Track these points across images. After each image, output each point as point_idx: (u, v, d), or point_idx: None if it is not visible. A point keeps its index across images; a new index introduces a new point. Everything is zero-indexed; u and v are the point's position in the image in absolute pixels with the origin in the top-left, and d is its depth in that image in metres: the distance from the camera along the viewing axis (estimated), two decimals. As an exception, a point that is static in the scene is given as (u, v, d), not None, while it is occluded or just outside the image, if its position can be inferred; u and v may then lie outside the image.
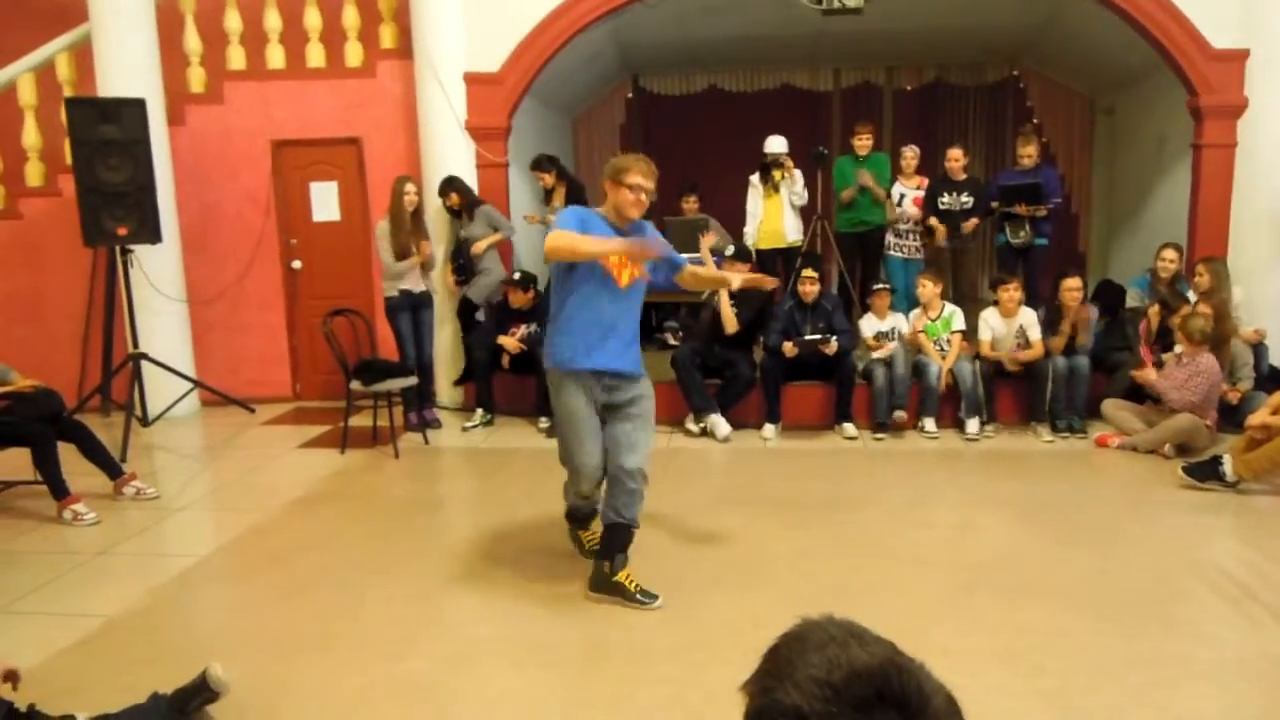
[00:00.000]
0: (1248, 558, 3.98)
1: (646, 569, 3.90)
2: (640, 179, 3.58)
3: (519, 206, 7.50)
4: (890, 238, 7.38)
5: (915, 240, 7.31)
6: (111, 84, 6.55)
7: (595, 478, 3.70)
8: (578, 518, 4.05)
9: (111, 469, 5.06)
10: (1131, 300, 6.71)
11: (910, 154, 7.37)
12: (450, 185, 6.68)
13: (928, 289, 6.30)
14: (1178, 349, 5.62)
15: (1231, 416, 5.66)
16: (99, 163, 6.04)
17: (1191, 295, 6.21)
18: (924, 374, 6.13)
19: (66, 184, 6.77)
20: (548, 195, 7.07)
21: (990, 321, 6.26)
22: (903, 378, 6.13)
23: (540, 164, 7.04)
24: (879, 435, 6.07)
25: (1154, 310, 6.16)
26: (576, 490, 3.79)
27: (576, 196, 6.79)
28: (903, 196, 7.27)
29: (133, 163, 6.14)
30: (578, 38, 6.96)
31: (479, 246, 6.64)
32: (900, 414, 6.08)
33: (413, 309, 6.43)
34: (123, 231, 6.12)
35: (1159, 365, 5.82)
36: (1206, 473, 4.85)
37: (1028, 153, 6.93)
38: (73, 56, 7.13)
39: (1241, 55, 6.41)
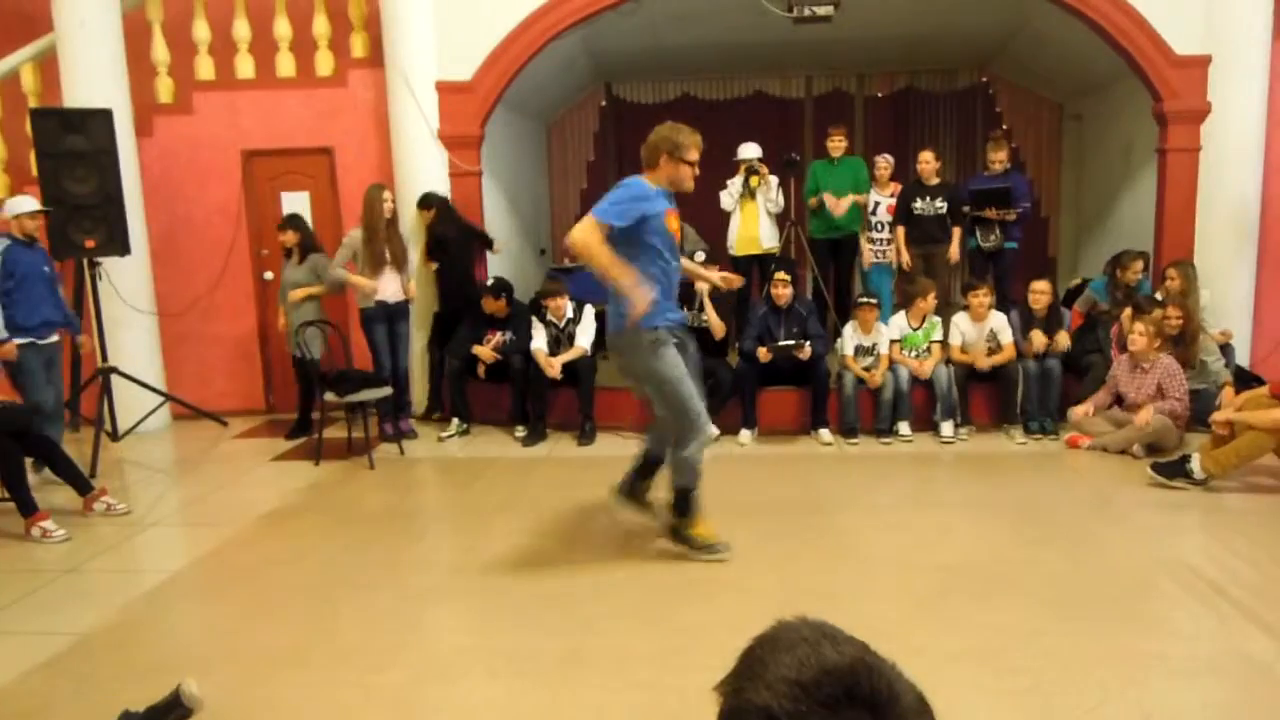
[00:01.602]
0: (1217, 555, 4.03)
1: (620, 573, 3.91)
2: (697, 154, 3.87)
3: (494, 216, 7.49)
4: (865, 245, 7.42)
5: (886, 234, 7.30)
6: (78, 94, 6.47)
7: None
8: (693, 500, 4.08)
9: (81, 485, 4.98)
10: (1083, 304, 6.84)
11: (884, 163, 7.38)
12: (290, 223, 6.48)
13: (926, 303, 6.32)
14: (1133, 348, 5.70)
15: (1198, 416, 5.76)
16: (65, 174, 5.97)
17: (1159, 297, 6.32)
18: (896, 378, 6.17)
19: (33, 196, 6.66)
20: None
21: (961, 326, 6.32)
22: (887, 400, 6.14)
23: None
24: (852, 440, 6.10)
25: (1126, 314, 6.25)
26: (703, 444, 3.96)
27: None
28: (877, 205, 7.31)
29: (100, 174, 6.07)
30: (550, 46, 6.96)
31: (297, 294, 6.34)
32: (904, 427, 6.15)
33: (389, 320, 6.40)
34: (90, 244, 6.05)
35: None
36: (1175, 471, 4.92)
37: (998, 158, 7.01)
38: (38, 67, 7.04)
39: (1204, 61, 6.53)
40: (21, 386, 5.29)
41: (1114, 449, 5.64)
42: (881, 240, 7.32)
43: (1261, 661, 3.06)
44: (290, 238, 6.44)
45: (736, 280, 4.76)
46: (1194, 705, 2.85)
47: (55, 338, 5.57)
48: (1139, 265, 6.54)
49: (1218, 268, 6.56)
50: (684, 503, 4.06)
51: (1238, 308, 6.65)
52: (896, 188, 7.31)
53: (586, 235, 3.67)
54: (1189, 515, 4.62)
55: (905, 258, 6.97)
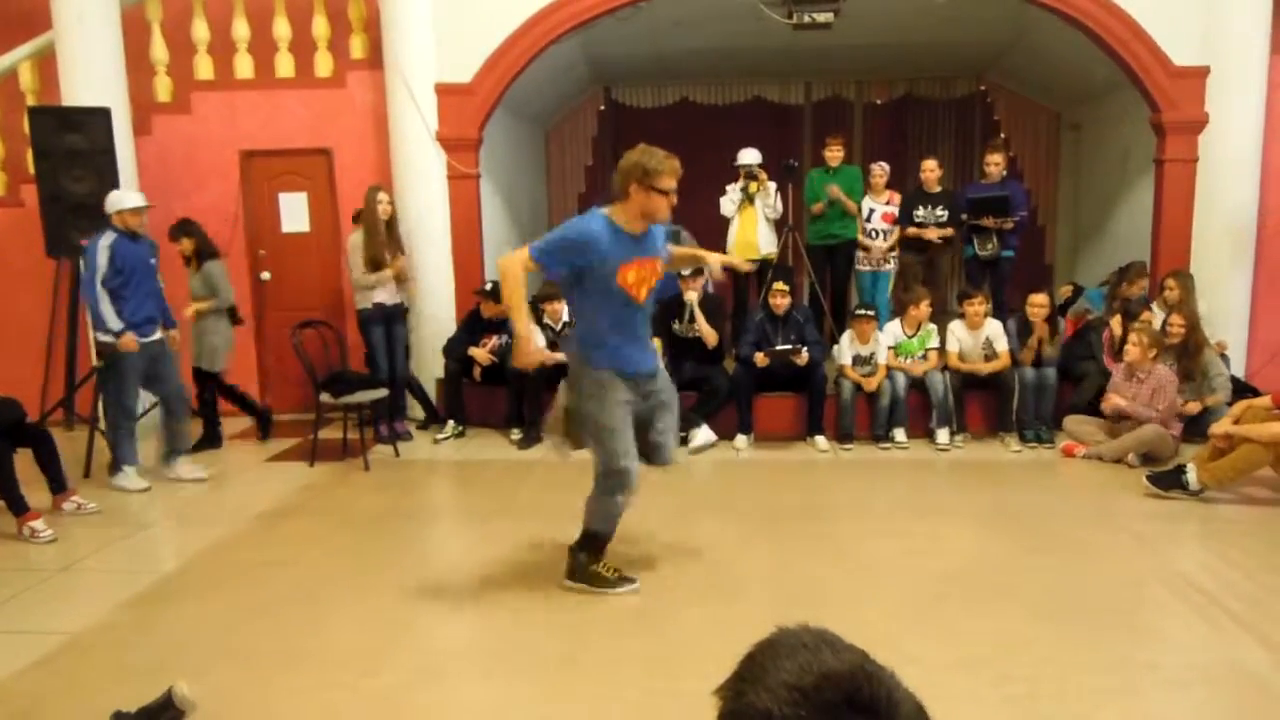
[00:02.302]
0: (1212, 565, 4.04)
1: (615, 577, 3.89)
2: (672, 181, 3.45)
3: (491, 219, 7.49)
4: (858, 252, 7.42)
5: (882, 242, 7.30)
6: (76, 93, 6.45)
7: (636, 478, 3.68)
8: (602, 543, 3.81)
9: (58, 483, 4.97)
10: (1075, 313, 6.87)
11: (879, 170, 7.36)
12: (183, 230, 6.24)
13: (920, 311, 6.33)
14: (1127, 359, 5.71)
15: (1195, 427, 5.77)
16: (63, 173, 5.96)
17: (1155, 307, 6.34)
18: (893, 384, 6.18)
19: (29, 194, 6.65)
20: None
21: (957, 334, 6.33)
22: (884, 407, 6.15)
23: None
24: (847, 446, 6.11)
25: (1116, 320, 6.28)
26: (625, 497, 3.69)
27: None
28: (872, 212, 7.32)
29: (97, 173, 6.05)
30: (549, 49, 6.97)
31: (189, 312, 6.13)
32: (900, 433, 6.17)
33: (386, 321, 6.39)
34: (86, 243, 6.02)
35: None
36: (1170, 482, 4.92)
37: (995, 160, 7.01)
38: (36, 65, 7.03)
39: (1202, 72, 6.56)
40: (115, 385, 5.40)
41: (1109, 458, 5.65)
42: (876, 248, 7.33)
43: (1255, 672, 3.06)
44: (186, 246, 6.23)
45: (744, 265, 4.64)
46: (1188, 715, 2.86)
47: (158, 334, 5.56)
48: (1145, 282, 6.56)
49: (1214, 278, 6.58)
50: (592, 545, 3.79)
51: (1234, 318, 6.67)
52: (893, 195, 7.31)
53: (509, 264, 3.47)
54: (1184, 525, 4.62)
55: (932, 234, 7.01)
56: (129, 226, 5.42)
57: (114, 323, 5.24)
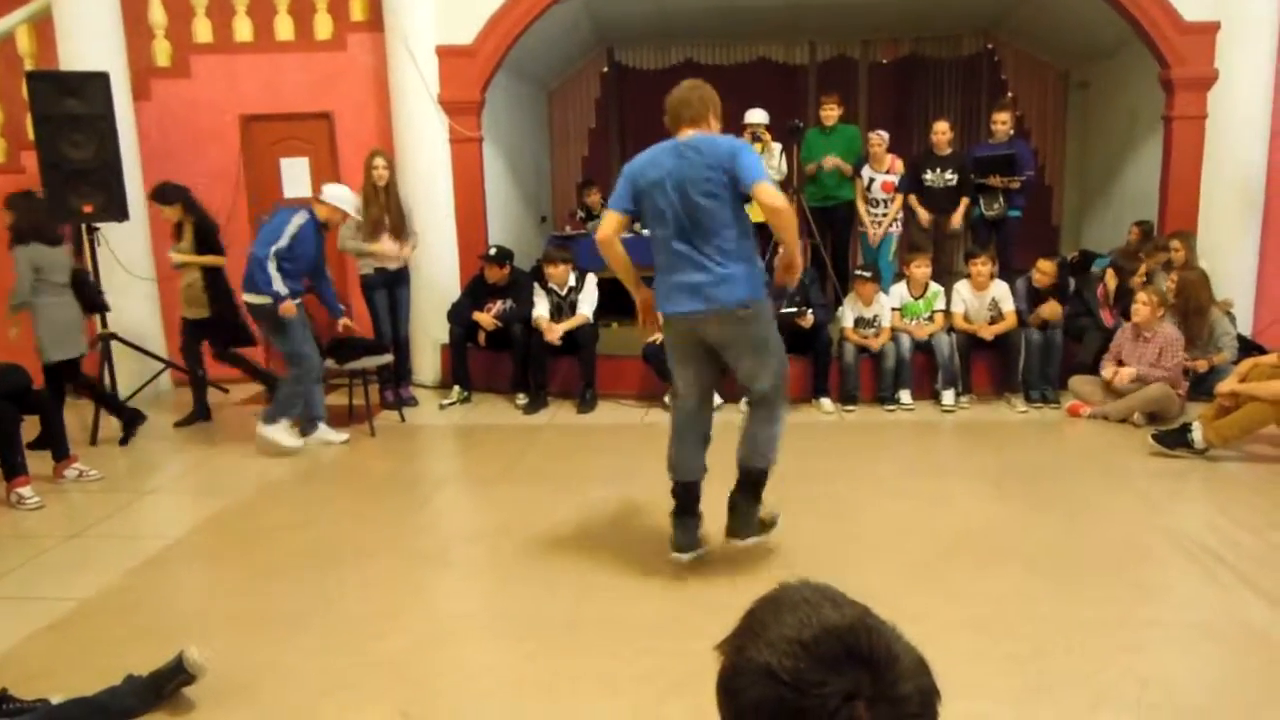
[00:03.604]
0: (1216, 523, 4.04)
1: (621, 540, 3.92)
2: None
3: (494, 182, 7.44)
4: (865, 218, 7.32)
5: (882, 210, 7.22)
6: (74, 58, 6.40)
7: None
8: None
9: (59, 450, 4.99)
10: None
11: (877, 139, 7.14)
12: (9, 205, 5.64)
13: (922, 271, 6.30)
14: (1135, 319, 5.68)
15: (1200, 385, 5.76)
16: (63, 138, 5.91)
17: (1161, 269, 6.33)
18: (898, 346, 6.16)
19: (30, 160, 6.60)
20: (177, 230, 6.15)
21: (963, 294, 6.30)
22: (889, 369, 6.14)
23: (162, 195, 6.07)
24: (850, 408, 6.11)
25: (1109, 273, 6.27)
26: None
27: (206, 238, 6.14)
28: (872, 181, 7.17)
29: (97, 138, 6.00)
30: (552, 10, 6.87)
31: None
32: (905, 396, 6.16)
33: (388, 286, 6.37)
34: (88, 209, 6.00)
35: (1119, 327, 5.98)
36: (1176, 440, 4.92)
37: (1002, 119, 6.92)
38: (34, 29, 6.95)
39: (1212, 28, 6.45)
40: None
41: (1114, 417, 5.64)
42: (878, 215, 7.23)
43: (1259, 628, 3.08)
44: (6, 218, 5.74)
45: None
46: (1190, 671, 2.88)
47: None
48: (1163, 257, 6.47)
49: (1222, 236, 6.53)
50: (761, 486, 3.72)
51: (1241, 277, 6.62)
52: (894, 162, 7.15)
53: (609, 242, 3.54)
54: (1189, 483, 4.62)
55: (922, 215, 6.94)
56: (325, 219, 5.53)
57: (280, 287, 5.29)
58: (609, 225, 3.56)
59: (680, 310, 3.50)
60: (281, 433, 5.45)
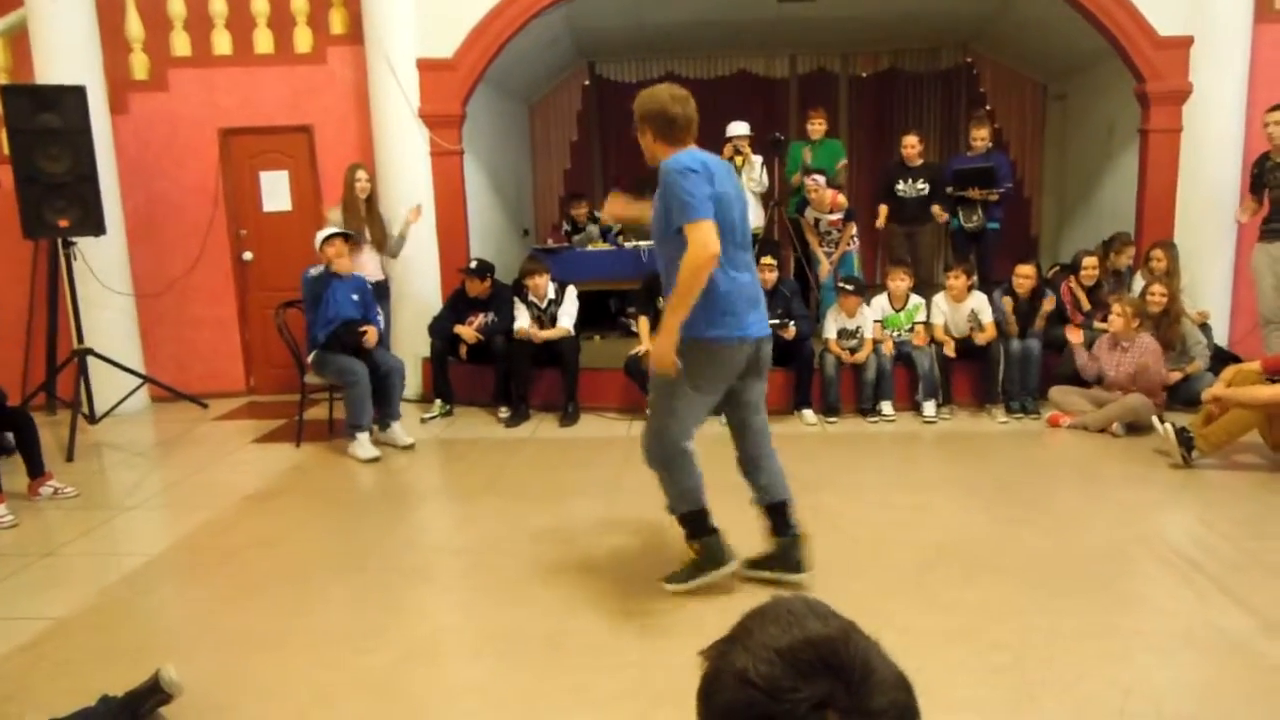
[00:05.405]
0: (1194, 531, 4.07)
1: (604, 553, 3.90)
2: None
3: (475, 196, 7.44)
4: (820, 256, 7.15)
5: (832, 248, 7.10)
6: (50, 71, 6.35)
7: None
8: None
9: (36, 467, 4.93)
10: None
11: (812, 184, 6.88)
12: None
13: (902, 284, 6.34)
14: (1112, 329, 5.74)
15: (1175, 395, 5.81)
16: (38, 153, 5.87)
17: (1140, 278, 6.39)
18: (879, 357, 6.19)
19: (5, 175, 6.55)
20: None
21: (942, 306, 6.34)
22: (870, 380, 6.17)
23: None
24: (832, 419, 6.12)
25: (1073, 280, 6.47)
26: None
27: None
28: (818, 220, 7.04)
29: (74, 152, 5.97)
30: (533, 23, 6.90)
31: None
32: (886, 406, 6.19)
33: (369, 299, 6.35)
34: (64, 223, 5.95)
35: (1088, 329, 6.14)
36: (1185, 442, 4.94)
37: (980, 135, 7.02)
38: (9, 43, 6.91)
39: (1186, 42, 6.55)
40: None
41: (1094, 427, 5.68)
42: (829, 250, 7.10)
43: (1239, 637, 3.09)
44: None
45: None
46: (1171, 679, 2.88)
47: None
48: (1131, 251, 6.62)
49: (1197, 247, 6.61)
50: (685, 529, 3.66)
51: (1217, 287, 6.70)
52: (835, 198, 6.94)
53: (701, 265, 3.16)
54: (1169, 492, 4.66)
55: (881, 221, 7.07)
56: (328, 261, 5.69)
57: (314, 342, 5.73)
58: (717, 237, 3.08)
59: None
60: (359, 446, 5.60)
